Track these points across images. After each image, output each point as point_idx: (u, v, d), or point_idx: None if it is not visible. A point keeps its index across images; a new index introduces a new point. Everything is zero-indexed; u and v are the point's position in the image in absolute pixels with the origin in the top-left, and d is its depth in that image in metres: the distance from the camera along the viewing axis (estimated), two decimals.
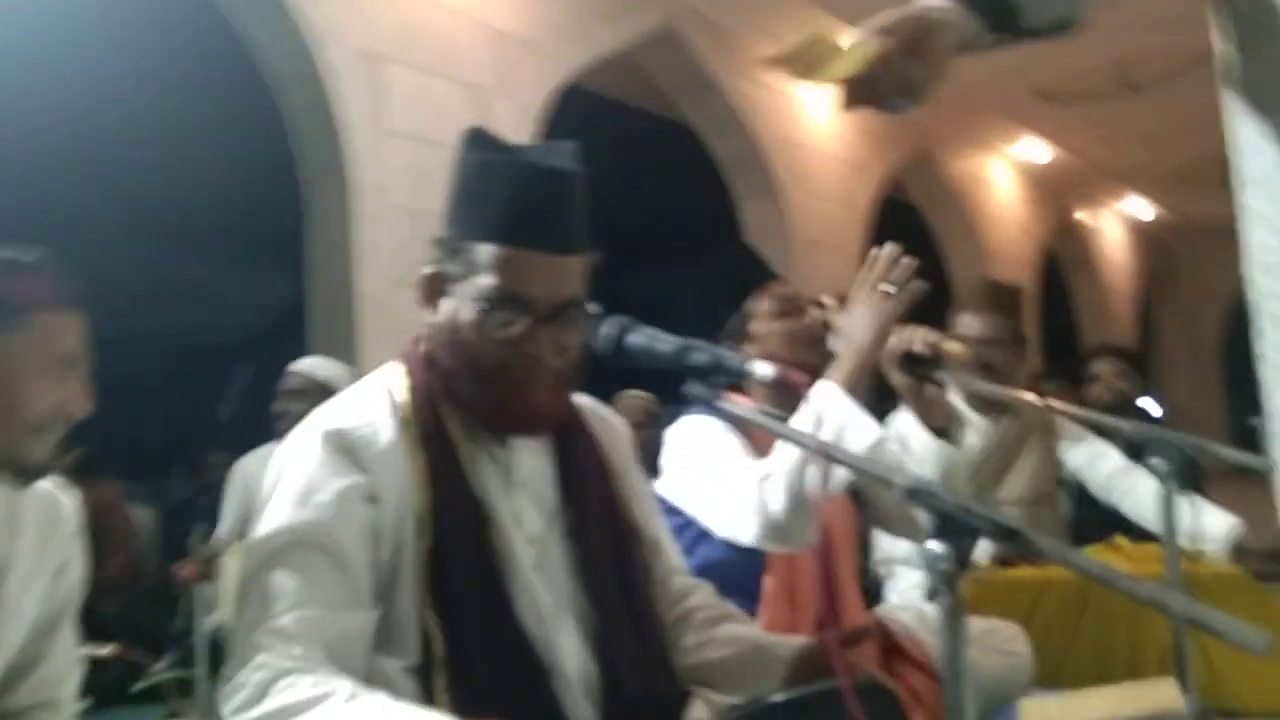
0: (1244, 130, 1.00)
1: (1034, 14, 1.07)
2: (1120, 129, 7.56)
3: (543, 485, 1.22)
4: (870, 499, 1.87)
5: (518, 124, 4.67)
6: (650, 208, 7.89)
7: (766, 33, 5.99)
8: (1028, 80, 6.55)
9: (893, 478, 0.90)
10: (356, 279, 4.00)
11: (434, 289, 1.21)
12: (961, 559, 0.84)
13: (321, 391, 3.05)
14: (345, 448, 1.12)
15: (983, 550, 1.86)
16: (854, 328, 1.63)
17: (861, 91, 1.04)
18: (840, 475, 1.51)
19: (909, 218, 7.89)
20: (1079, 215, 9.32)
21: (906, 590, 2.31)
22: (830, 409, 1.51)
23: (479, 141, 1.22)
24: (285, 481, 1.12)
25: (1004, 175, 8.38)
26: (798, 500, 1.51)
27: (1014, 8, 1.06)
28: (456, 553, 1.11)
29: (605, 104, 6.16)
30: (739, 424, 1.78)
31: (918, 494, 0.87)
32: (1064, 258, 9.51)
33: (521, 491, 1.20)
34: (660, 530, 1.37)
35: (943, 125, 7.09)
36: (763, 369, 1.00)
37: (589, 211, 1.20)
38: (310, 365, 3.30)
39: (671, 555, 1.38)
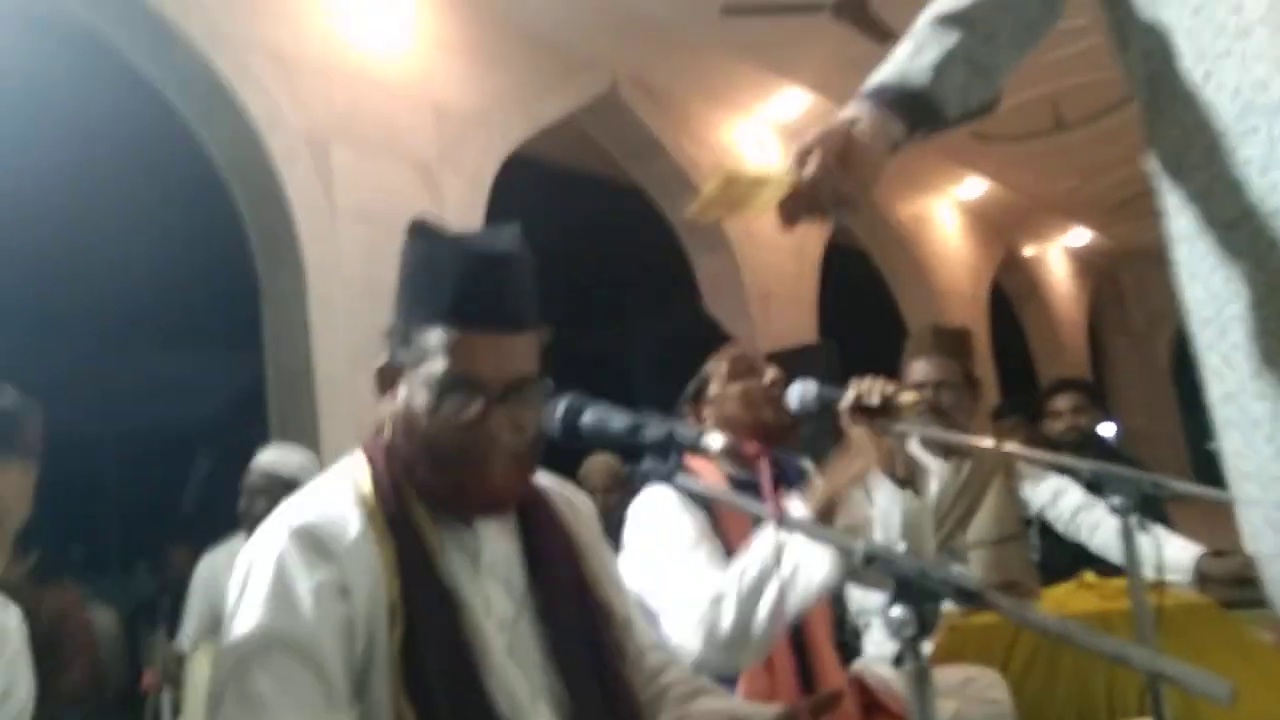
0: (1167, 190, 1.03)
1: (955, 106, 1.11)
2: (1057, 164, 7.78)
3: (510, 568, 1.21)
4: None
5: (467, 197, 4.71)
6: (606, 271, 7.95)
7: (707, 94, 6.12)
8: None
9: (850, 545, 0.90)
10: (314, 361, 3.98)
11: (388, 378, 1.22)
12: (924, 623, 0.84)
13: (285, 486, 3.00)
14: (313, 543, 1.11)
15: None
16: (849, 457, 1.60)
17: (799, 210, 1.07)
18: (798, 603, 1.47)
19: (859, 264, 8.02)
20: (1025, 250, 9.53)
21: (884, 641, 2.31)
22: (792, 542, 1.48)
23: (422, 232, 1.23)
24: (254, 582, 1.10)
25: (948, 215, 8.56)
26: (746, 626, 1.49)
27: (935, 106, 1.10)
28: (429, 642, 1.10)
29: (554, 171, 6.22)
30: (697, 498, 1.78)
31: (875, 560, 0.88)
32: (1013, 292, 9.70)
33: (490, 576, 1.19)
34: (630, 607, 1.37)
35: (886, 171, 7.23)
36: (715, 442, 1.00)
37: (536, 289, 1.21)
38: (271, 460, 3.23)
39: (643, 632, 1.37)
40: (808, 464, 1.97)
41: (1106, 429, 6.65)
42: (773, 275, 6.45)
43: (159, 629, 3.36)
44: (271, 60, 4.11)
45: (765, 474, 0.94)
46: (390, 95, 4.52)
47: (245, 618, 1.08)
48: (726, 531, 1.77)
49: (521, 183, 5.11)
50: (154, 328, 8.19)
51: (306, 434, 3.80)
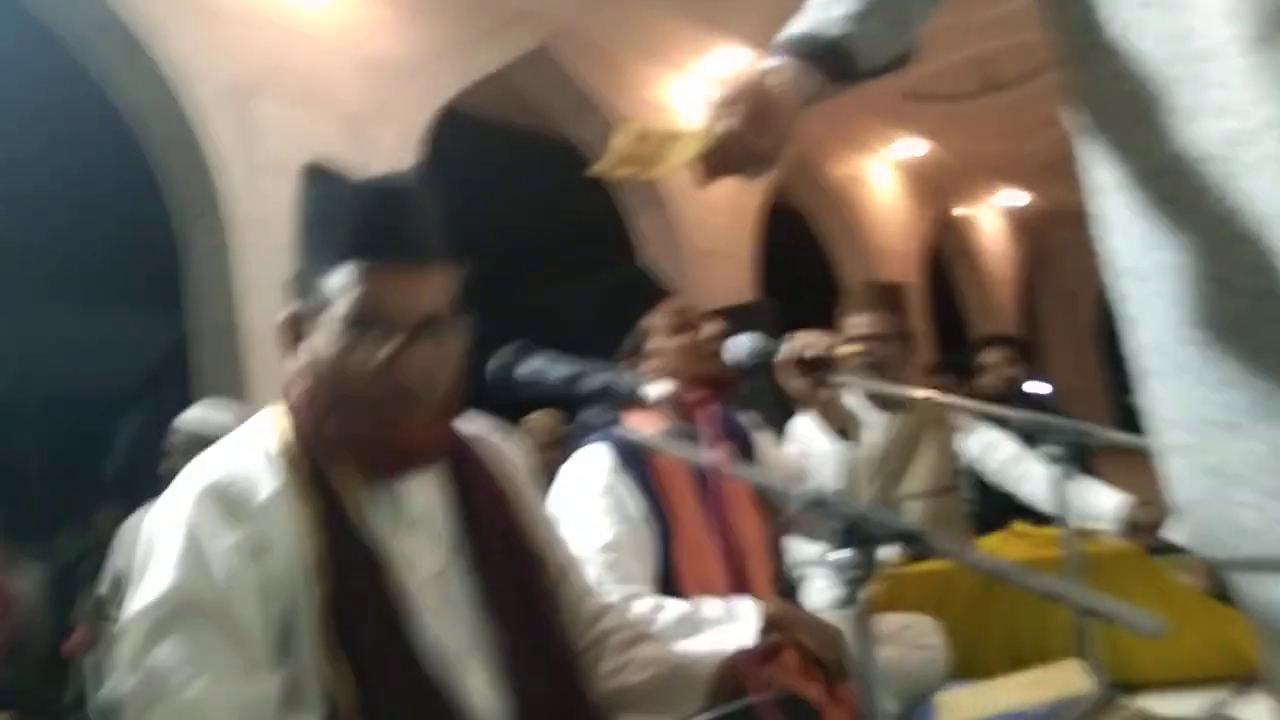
0: (1087, 144, 1.03)
1: (868, 59, 1.09)
2: (987, 125, 7.86)
3: (438, 521, 1.17)
4: (779, 506, 1.88)
5: (398, 151, 4.59)
6: (540, 227, 7.86)
7: (640, 48, 6.04)
8: (896, 83, 6.76)
9: (792, 490, 0.90)
10: (240, 318, 3.86)
11: (293, 332, 1.16)
12: (866, 565, 0.84)
13: (208, 446, 2.93)
14: (225, 502, 1.06)
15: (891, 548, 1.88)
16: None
17: (714, 167, 1.05)
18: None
19: (795, 223, 8.05)
20: (958, 210, 9.66)
21: (824, 591, 2.33)
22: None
23: (318, 173, 1.19)
24: (161, 545, 1.05)
25: (883, 176, 8.62)
26: None
27: (849, 57, 1.08)
28: (353, 601, 1.06)
29: (488, 127, 6.10)
30: (636, 451, 1.76)
31: (819, 504, 0.87)
32: (947, 252, 9.83)
33: (415, 530, 1.15)
34: (565, 554, 1.35)
35: (820, 130, 7.25)
36: (655, 390, 0.98)
37: (443, 225, 1.16)
38: (195, 418, 3.11)
39: (579, 578, 1.35)
40: (745, 419, 1.97)
41: (1039, 387, 6.82)
42: (711, 233, 6.43)
43: (84, 590, 3.28)
44: (190, 8, 3.94)
45: (707, 422, 0.92)
46: (317, 46, 4.37)
47: (153, 582, 1.02)
48: (664, 490, 1.75)
49: (454, 137, 5.00)
50: (72, 286, 7.90)
51: (233, 391, 3.70)
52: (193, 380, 4.07)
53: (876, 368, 2.39)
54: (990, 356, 3.82)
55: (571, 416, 1.37)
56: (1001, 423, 2.39)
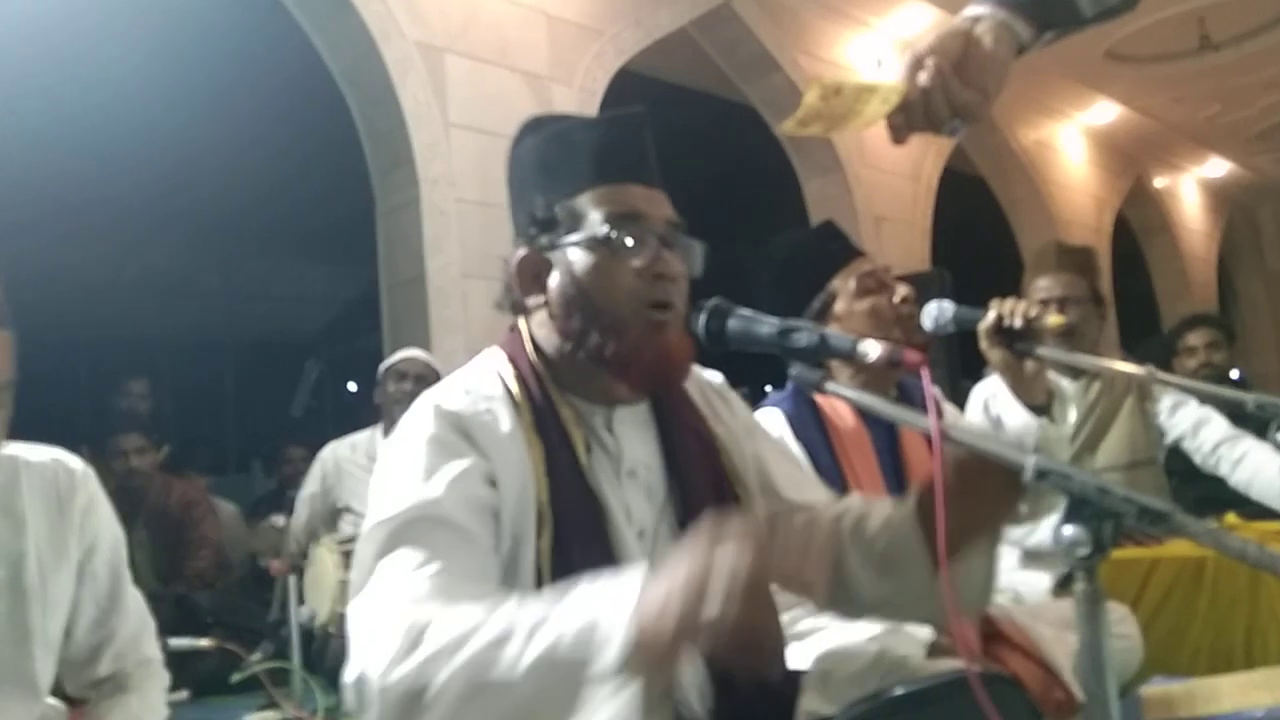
0: None
1: (1093, 2, 1.01)
2: (1197, 88, 7.29)
3: (650, 474, 1.17)
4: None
5: (578, 111, 4.65)
6: (715, 189, 7.83)
7: (824, 7, 5.88)
8: (1099, 43, 6.34)
9: (1019, 458, 0.85)
10: (427, 270, 4.02)
11: (534, 269, 1.16)
12: (1100, 544, 0.79)
13: (422, 380, 3.15)
14: (464, 430, 1.08)
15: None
16: None
17: (914, 121, 0.99)
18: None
19: (975, 189, 7.71)
20: (1155, 180, 9.02)
21: (1000, 574, 2.24)
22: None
23: (544, 119, 1.22)
24: (404, 462, 1.07)
25: (1074, 142, 8.13)
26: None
27: (1070, 2, 1.00)
28: (577, 547, 1.07)
29: (664, 87, 6.10)
30: (815, 416, 1.72)
31: (1048, 475, 0.83)
32: (1139, 225, 9.22)
33: (631, 481, 1.15)
34: (787, 467, 1.27)
35: (1009, 94, 6.87)
36: (872, 349, 0.95)
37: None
38: (411, 353, 3.41)
39: (811, 490, 1.27)
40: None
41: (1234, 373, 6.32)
42: (886, 199, 6.25)
43: (284, 519, 3.52)
44: None
45: (928, 383, 0.89)
46: (506, 5, 4.46)
47: (395, 495, 1.04)
48: (847, 460, 1.71)
49: (631, 97, 5.01)
50: (276, 239, 8.42)
51: (418, 342, 3.86)
52: (381, 330, 4.27)
53: (1068, 334, 2.24)
54: (1194, 338, 3.56)
55: (732, 383, 1.33)
56: (1217, 402, 2.21)
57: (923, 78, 0.97)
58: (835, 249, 1.89)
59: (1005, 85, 1.01)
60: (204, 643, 2.25)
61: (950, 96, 0.97)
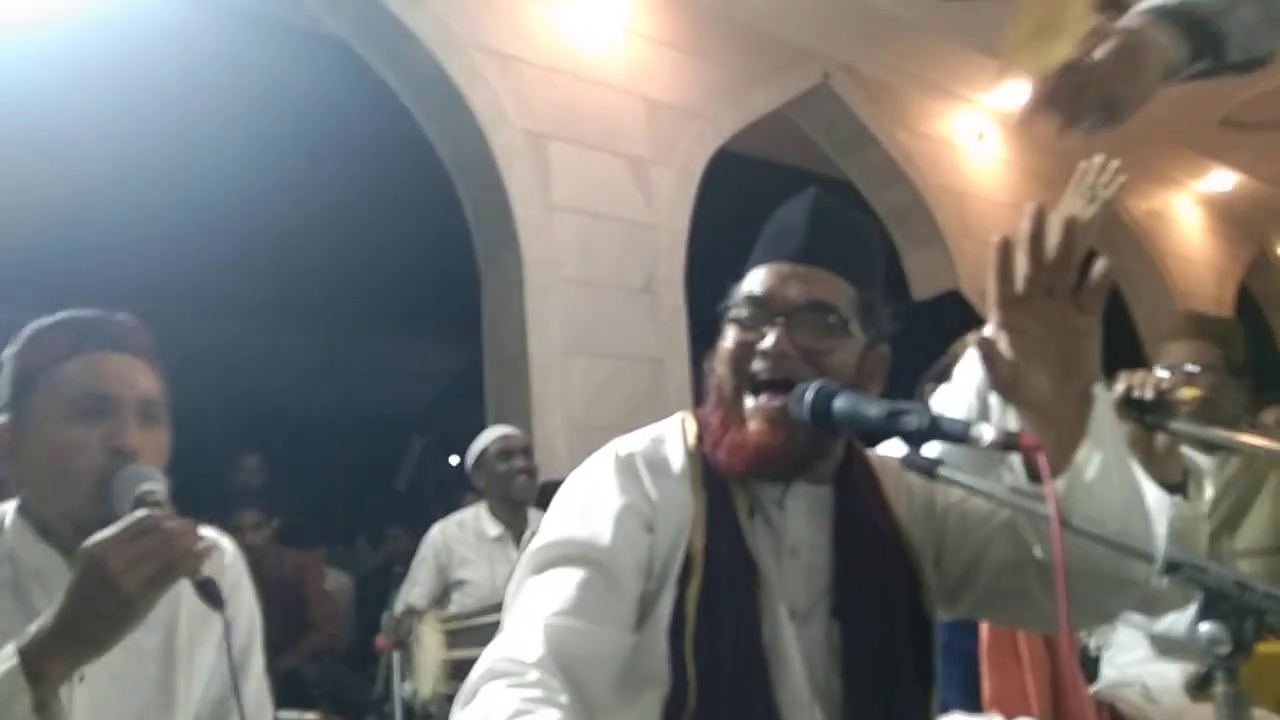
0: None
1: (1238, 47, 1.00)
2: None
3: (816, 555, 1.13)
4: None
5: (677, 191, 4.73)
6: None
7: (923, 82, 5.89)
8: (1213, 110, 6.17)
9: (1148, 551, 0.81)
10: (530, 348, 4.10)
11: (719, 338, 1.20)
12: (1240, 643, 0.75)
13: (525, 452, 3.24)
14: (634, 470, 1.12)
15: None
16: None
17: (1060, 100, 0.98)
18: None
19: (1087, 263, 7.50)
20: (1279, 249, 8.64)
21: (1126, 665, 2.11)
22: None
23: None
24: (571, 498, 1.12)
25: (1189, 211, 7.87)
26: None
27: (1219, 39, 0.99)
28: (723, 603, 1.06)
29: (761, 165, 6.16)
30: None
31: (1181, 568, 0.79)
32: (1264, 296, 8.81)
33: (792, 560, 1.12)
34: (979, 513, 1.17)
35: (1120, 162, 6.74)
36: (986, 434, 0.91)
37: (860, 241, 1.19)
38: (511, 430, 3.47)
39: (985, 521, 1.16)
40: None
41: None
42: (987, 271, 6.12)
43: (391, 595, 3.56)
44: (496, 59, 4.27)
45: (1045, 469, 0.85)
46: (606, 91, 4.60)
47: (554, 528, 1.09)
48: None
49: (729, 176, 5.08)
50: (387, 318, 8.70)
51: (520, 418, 3.92)
52: (484, 406, 4.36)
53: (1205, 405, 2.10)
54: None
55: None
56: None
57: (1097, 53, 0.97)
58: (957, 315, 1.85)
59: (1148, 99, 1.00)
60: (310, 716, 2.27)
61: (1107, 81, 0.97)
